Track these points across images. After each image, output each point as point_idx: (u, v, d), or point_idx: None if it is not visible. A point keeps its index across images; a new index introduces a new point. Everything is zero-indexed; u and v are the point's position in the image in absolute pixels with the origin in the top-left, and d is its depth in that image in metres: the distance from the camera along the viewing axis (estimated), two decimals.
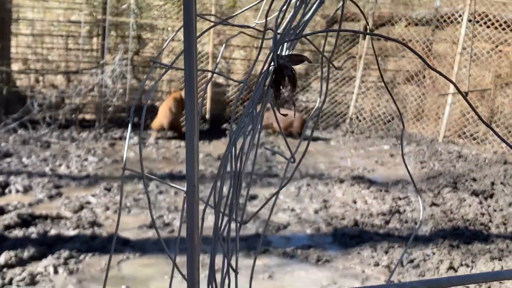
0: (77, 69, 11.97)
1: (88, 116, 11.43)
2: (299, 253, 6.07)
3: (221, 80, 12.52)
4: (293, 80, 0.87)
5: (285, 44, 0.90)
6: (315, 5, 0.87)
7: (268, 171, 8.80)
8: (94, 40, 12.17)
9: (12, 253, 5.50)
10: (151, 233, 6.32)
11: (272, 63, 0.87)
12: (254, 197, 7.61)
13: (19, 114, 10.39)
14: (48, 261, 5.45)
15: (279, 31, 0.93)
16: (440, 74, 0.79)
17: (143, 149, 9.66)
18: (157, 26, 12.26)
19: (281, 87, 0.88)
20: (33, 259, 5.55)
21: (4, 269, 5.27)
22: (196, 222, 0.90)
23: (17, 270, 5.24)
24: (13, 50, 11.96)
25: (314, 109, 12.01)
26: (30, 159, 8.73)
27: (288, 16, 0.88)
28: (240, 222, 0.90)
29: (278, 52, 0.88)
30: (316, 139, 10.97)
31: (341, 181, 8.48)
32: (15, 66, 12.29)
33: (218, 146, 10.25)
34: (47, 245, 5.83)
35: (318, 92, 12.34)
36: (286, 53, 0.91)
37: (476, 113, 0.70)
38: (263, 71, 0.86)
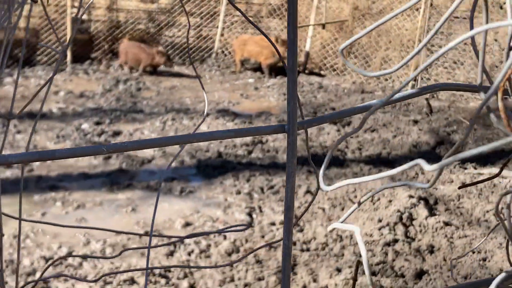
0: None
1: None
2: (162, 185, 6.12)
3: (84, 16, 12.06)
4: None
5: None
6: None
7: (133, 107, 8.71)
8: None
9: None
10: (9, 173, 6.13)
11: None
12: (118, 133, 7.53)
13: None
14: None
15: None
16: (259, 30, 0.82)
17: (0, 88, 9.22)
18: None
19: None
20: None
21: None
22: None
23: None
24: None
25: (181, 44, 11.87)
26: None
27: None
28: None
29: None
30: (181, 75, 10.93)
31: (206, 114, 8.54)
32: None
33: (80, 83, 9.96)
34: None
35: (183, 27, 12.22)
36: None
37: None
38: None
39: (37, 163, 6.41)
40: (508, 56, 0.50)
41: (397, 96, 0.62)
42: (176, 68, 11.23)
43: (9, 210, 3.70)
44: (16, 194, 5.04)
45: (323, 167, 0.66)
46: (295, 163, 0.65)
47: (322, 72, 11.34)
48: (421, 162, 0.53)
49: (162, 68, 10.74)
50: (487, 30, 0.49)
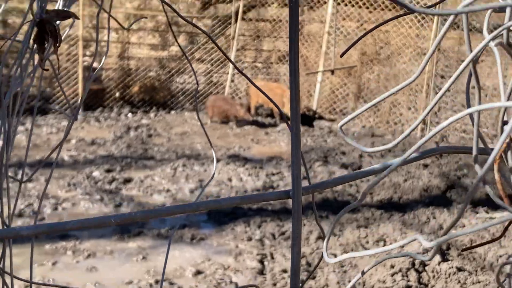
0: None
1: None
2: (173, 233, 6.11)
3: (95, 64, 12.25)
4: (54, 35, 0.89)
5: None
6: None
7: (144, 154, 8.76)
8: None
9: None
10: (20, 222, 6.15)
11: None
12: (129, 180, 7.56)
13: None
14: None
15: None
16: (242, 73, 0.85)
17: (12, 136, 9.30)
18: None
19: (45, 42, 0.90)
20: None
21: None
22: None
23: None
24: None
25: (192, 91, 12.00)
26: None
27: None
28: None
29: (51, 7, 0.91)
30: (192, 119, 11.01)
31: (217, 160, 8.58)
32: None
33: (91, 131, 10.05)
34: None
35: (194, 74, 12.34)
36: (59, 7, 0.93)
37: None
38: (25, 22, 0.88)
39: (48, 211, 6.43)
40: (502, 130, 0.51)
41: (395, 162, 0.64)
42: (186, 114, 11.31)
43: (20, 260, 3.71)
44: (27, 244, 5.06)
45: (326, 239, 0.67)
46: (301, 228, 0.66)
47: (332, 117, 11.39)
48: (419, 237, 0.54)
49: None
50: (479, 111, 0.50)
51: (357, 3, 11.03)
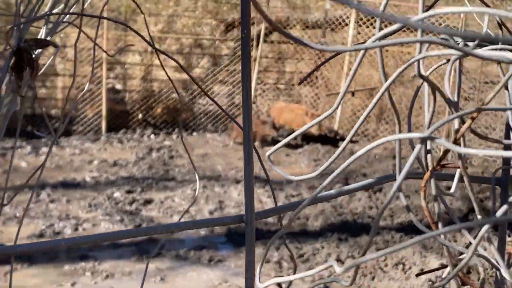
0: None
1: None
2: (191, 254, 6.12)
3: (119, 86, 12.41)
4: (31, 64, 0.91)
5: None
6: None
7: (165, 175, 8.81)
8: None
9: None
10: None
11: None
12: (149, 201, 7.60)
13: None
14: None
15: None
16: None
17: (36, 158, 9.44)
18: None
19: (23, 70, 0.92)
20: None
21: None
22: None
23: None
24: None
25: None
26: None
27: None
28: None
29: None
30: (214, 140, 11.06)
31: (237, 181, 8.60)
32: None
33: (113, 152, 10.15)
34: None
35: (217, 95, 12.44)
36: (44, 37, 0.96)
37: None
38: (3, 50, 0.91)
39: (69, 231, 6.49)
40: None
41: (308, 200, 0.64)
42: (208, 136, 11.37)
43: (39, 281, 3.75)
44: (46, 264, 5.10)
45: (260, 264, 0.68)
46: (254, 252, 0.67)
47: (353, 138, 11.36)
48: (333, 263, 0.55)
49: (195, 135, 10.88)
50: (399, 139, 0.51)
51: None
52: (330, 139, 11.03)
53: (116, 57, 11.71)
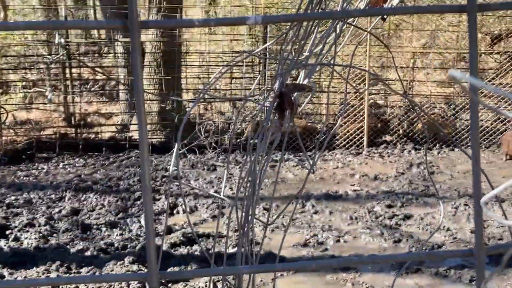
0: (242, 96, 12.67)
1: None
2: (452, 273, 6.04)
3: (380, 101, 12.63)
4: (291, 106, 1.09)
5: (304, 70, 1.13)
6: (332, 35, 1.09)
7: (425, 191, 8.76)
8: (256, 68, 12.81)
9: (176, 269, 6.03)
10: (304, 252, 6.60)
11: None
12: (408, 217, 7.63)
13: (188, 140, 11.20)
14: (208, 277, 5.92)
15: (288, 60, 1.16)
16: None
17: (302, 170, 10.01)
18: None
19: (284, 110, 1.10)
20: (195, 275, 6.05)
21: (169, 284, 5.81)
22: None
23: (180, 285, 5.74)
24: (183, 81, 12.91)
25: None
26: (197, 181, 9.41)
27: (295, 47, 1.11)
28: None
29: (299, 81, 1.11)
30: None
31: (503, 200, 8.24)
32: (185, 96, 13.25)
33: (374, 166, 10.35)
34: (208, 262, 6.32)
35: (483, 108, 12.02)
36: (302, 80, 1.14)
37: None
38: (270, 95, 1.10)
39: (331, 242, 6.80)
40: None
41: None
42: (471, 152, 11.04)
43: (306, 287, 4.05)
44: (311, 273, 5.42)
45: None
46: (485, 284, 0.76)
47: None
48: None
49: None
50: None
51: None
52: None
53: (378, 73, 11.93)
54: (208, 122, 11.94)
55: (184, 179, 9.56)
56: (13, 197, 8.56)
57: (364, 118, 11.65)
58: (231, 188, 9.02)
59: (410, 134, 11.89)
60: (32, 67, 13.53)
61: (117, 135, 12.20)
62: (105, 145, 11.74)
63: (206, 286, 5.74)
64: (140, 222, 7.53)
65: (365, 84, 11.55)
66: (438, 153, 11.39)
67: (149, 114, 11.89)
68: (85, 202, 8.40)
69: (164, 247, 6.61)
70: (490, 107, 0.70)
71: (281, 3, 13.22)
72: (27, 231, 7.10)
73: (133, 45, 0.68)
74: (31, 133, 11.95)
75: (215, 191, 8.88)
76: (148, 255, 0.69)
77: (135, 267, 6.07)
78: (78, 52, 14.47)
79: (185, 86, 13.09)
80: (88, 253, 6.51)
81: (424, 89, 12.47)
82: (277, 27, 12.64)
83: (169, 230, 7.18)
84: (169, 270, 6.02)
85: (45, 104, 12.97)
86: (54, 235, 7.05)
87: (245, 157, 1.76)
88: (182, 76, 12.84)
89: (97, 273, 5.97)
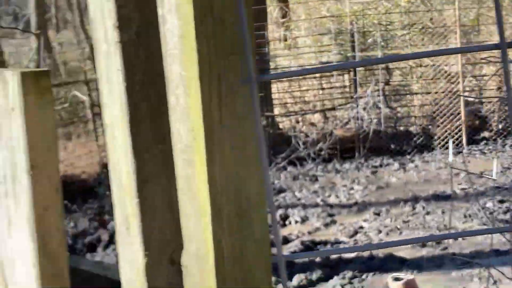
0: (332, 106, 12.79)
1: (348, 148, 12.10)
2: None
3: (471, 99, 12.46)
4: None
5: None
6: None
7: None
8: (346, 76, 12.91)
9: (302, 275, 6.21)
10: (424, 252, 6.64)
11: None
12: None
13: (286, 153, 11.39)
14: (335, 281, 6.07)
15: None
16: None
17: (405, 173, 10.02)
18: None
19: None
20: (321, 280, 6.21)
21: None
22: None
23: None
24: (274, 96, 13.15)
25: None
26: (302, 192, 9.57)
27: None
28: None
29: None
30: None
31: None
32: (276, 110, 13.48)
33: (477, 164, 10.24)
34: (330, 268, 6.47)
35: None
36: None
37: None
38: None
39: (450, 241, 6.81)
40: None
41: None
42: None
43: (427, 286, 4.18)
44: (432, 271, 5.50)
45: None
46: None
47: None
48: None
49: None
50: None
51: None
52: None
53: (470, 70, 11.80)
54: (301, 134, 12.11)
55: (289, 191, 9.74)
56: None
57: (461, 116, 11.53)
58: (336, 196, 9.14)
59: (510, 129, 11.68)
60: None
61: None
62: None
63: None
64: None
65: (458, 82, 11.45)
66: None
67: None
68: None
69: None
70: None
71: (364, 10, 13.29)
72: None
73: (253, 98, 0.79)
74: None
75: (322, 200, 9.02)
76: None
77: None
78: None
79: (276, 102, 13.32)
80: None
81: None
82: (363, 33, 12.71)
83: (286, 240, 7.37)
84: (295, 276, 6.21)
85: None
86: None
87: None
88: (273, 92, 13.08)
89: None
